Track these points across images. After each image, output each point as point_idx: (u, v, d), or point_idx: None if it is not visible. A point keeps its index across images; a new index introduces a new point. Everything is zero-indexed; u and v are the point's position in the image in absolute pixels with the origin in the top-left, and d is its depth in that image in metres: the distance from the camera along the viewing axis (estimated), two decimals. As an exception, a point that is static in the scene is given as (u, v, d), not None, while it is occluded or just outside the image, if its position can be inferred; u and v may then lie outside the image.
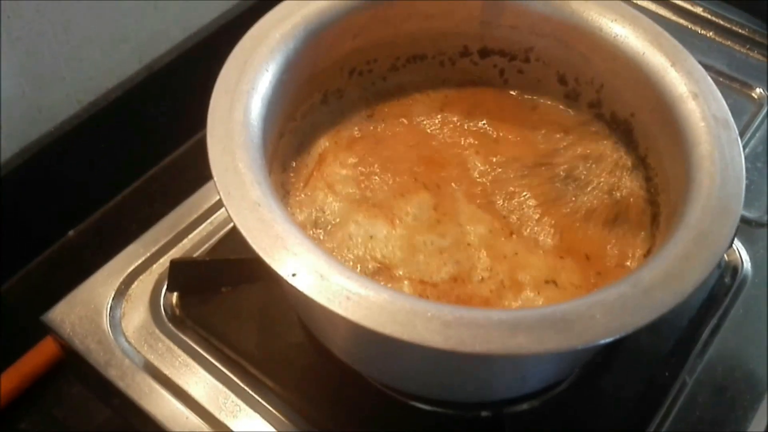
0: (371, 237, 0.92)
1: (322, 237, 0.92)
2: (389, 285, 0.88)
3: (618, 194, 0.98)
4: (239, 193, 0.78)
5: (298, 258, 0.74)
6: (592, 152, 1.02)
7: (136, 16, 1.23)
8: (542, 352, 0.71)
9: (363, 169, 0.99)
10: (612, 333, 0.72)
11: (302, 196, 0.96)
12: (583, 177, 1.00)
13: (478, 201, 0.97)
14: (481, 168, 1.01)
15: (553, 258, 0.93)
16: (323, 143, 1.01)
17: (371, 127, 1.04)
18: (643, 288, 0.74)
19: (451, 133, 1.05)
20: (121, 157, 1.28)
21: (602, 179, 0.99)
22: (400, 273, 0.89)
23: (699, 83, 0.91)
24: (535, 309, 0.76)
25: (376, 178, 0.98)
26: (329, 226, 0.93)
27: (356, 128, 1.04)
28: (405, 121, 1.05)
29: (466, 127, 1.05)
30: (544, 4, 1.00)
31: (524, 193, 0.98)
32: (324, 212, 0.94)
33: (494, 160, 1.02)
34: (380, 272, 0.90)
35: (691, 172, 0.85)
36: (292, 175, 0.98)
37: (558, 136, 1.04)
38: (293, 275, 0.73)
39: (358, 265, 0.90)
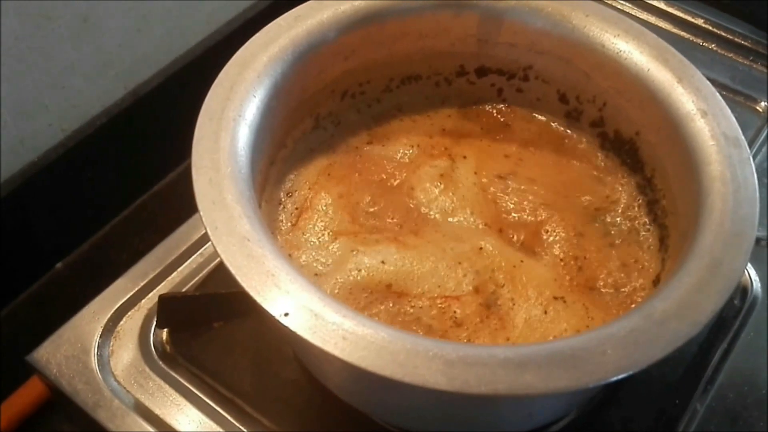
0: (382, 262, 0.89)
1: (327, 273, 0.89)
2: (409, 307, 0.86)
3: (625, 217, 0.96)
4: (227, 228, 0.75)
5: (291, 296, 0.71)
6: (601, 174, 1.00)
7: (119, 40, 1.20)
8: (551, 391, 0.68)
9: (359, 198, 0.96)
10: (624, 369, 0.69)
11: (292, 235, 0.93)
12: (592, 198, 0.98)
13: (484, 218, 0.95)
14: (484, 186, 0.99)
15: (561, 275, 0.90)
16: (314, 176, 0.98)
17: (368, 153, 1.02)
18: (656, 320, 0.71)
19: (449, 153, 1.02)
20: (108, 187, 1.25)
21: (610, 202, 0.97)
22: (418, 292, 0.87)
23: (707, 100, 0.88)
24: (542, 344, 0.73)
25: (374, 204, 0.96)
26: (332, 262, 0.90)
27: (351, 155, 1.01)
28: (404, 144, 1.03)
29: (466, 149, 1.02)
30: (543, 20, 0.98)
31: (529, 211, 0.96)
32: (323, 249, 0.91)
33: (496, 178, 1.00)
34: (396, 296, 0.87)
35: (701, 193, 0.82)
36: (282, 210, 0.95)
37: (566, 158, 1.02)
38: (285, 315, 0.70)
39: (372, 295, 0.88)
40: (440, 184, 0.98)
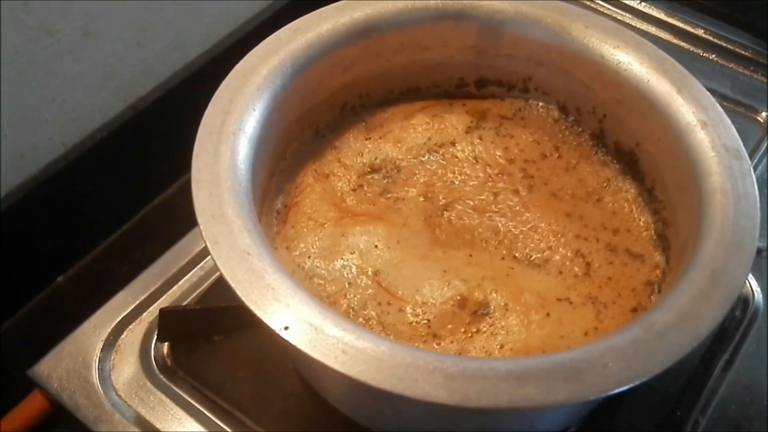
0: (376, 246, 0.89)
1: (319, 266, 0.89)
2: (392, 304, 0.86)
3: (626, 228, 0.95)
4: (227, 242, 0.75)
5: (291, 310, 0.71)
6: (599, 178, 0.99)
7: (119, 53, 1.20)
8: (552, 404, 0.68)
9: (343, 186, 0.97)
10: (625, 382, 0.69)
11: (284, 231, 0.93)
12: (589, 201, 0.97)
13: (475, 218, 0.95)
14: (478, 181, 0.98)
15: (563, 279, 0.90)
16: (301, 176, 0.98)
17: (365, 148, 1.01)
18: (657, 332, 0.71)
19: (449, 144, 1.01)
20: (109, 200, 1.25)
21: (609, 208, 0.96)
22: (400, 294, 0.86)
23: (707, 111, 0.88)
24: (543, 357, 0.72)
25: (359, 189, 0.97)
26: (323, 254, 0.90)
27: (338, 151, 1.01)
28: (399, 140, 1.02)
29: (466, 138, 1.02)
30: (542, 31, 0.98)
31: (526, 212, 0.95)
32: (314, 241, 0.91)
33: (490, 174, 0.99)
34: (382, 297, 0.87)
35: (702, 205, 0.82)
36: (277, 215, 0.95)
37: (556, 154, 1.01)
38: (285, 328, 0.70)
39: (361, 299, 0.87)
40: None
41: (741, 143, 0.86)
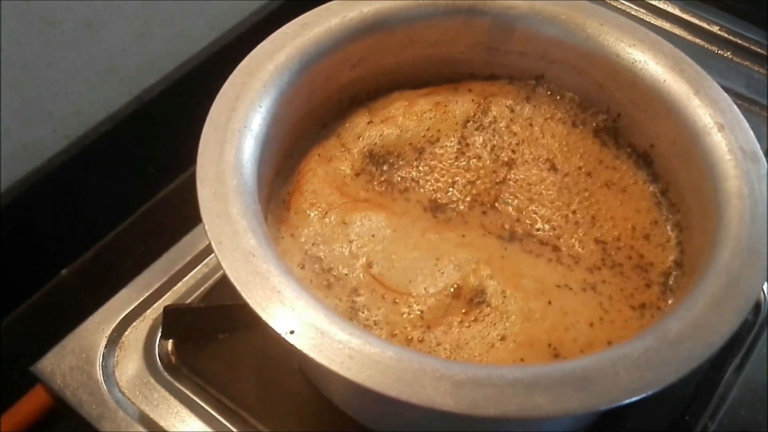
0: (373, 236, 0.88)
1: (323, 254, 0.88)
2: (386, 297, 0.84)
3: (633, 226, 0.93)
4: (232, 243, 0.74)
5: (296, 313, 0.70)
6: (609, 175, 0.97)
7: (123, 45, 1.19)
8: (561, 413, 0.66)
9: (346, 170, 0.96)
10: (637, 392, 0.67)
11: (287, 217, 0.91)
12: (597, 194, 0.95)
13: (476, 202, 0.94)
14: (481, 164, 0.97)
15: (556, 266, 0.88)
16: (304, 162, 0.97)
17: (367, 132, 0.99)
18: (670, 341, 0.70)
19: (451, 132, 0.99)
20: (113, 193, 1.24)
21: (619, 207, 0.94)
22: (395, 286, 0.85)
23: (725, 113, 0.87)
24: (552, 365, 0.71)
25: (363, 173, 0.96)
26: (325, 241, 0.89)
27: (341, 136, 0.99)
28: (400, 127, 1.00)
29: (469, 127, 1.00)
30: (556, 28, 0.96)
31: (528, 201, 0.94)
32: (315, 228, 0.90)
33: (493, 163, 0.98)
34: (378, 288, 0.85)
35: (717, 209, 0.80)
36: (284, 202, 0.94)
37: (564, 146, 0.99)
38: (291, 332, 0.69)
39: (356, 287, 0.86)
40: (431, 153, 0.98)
41: (758, 146, 0.85)
